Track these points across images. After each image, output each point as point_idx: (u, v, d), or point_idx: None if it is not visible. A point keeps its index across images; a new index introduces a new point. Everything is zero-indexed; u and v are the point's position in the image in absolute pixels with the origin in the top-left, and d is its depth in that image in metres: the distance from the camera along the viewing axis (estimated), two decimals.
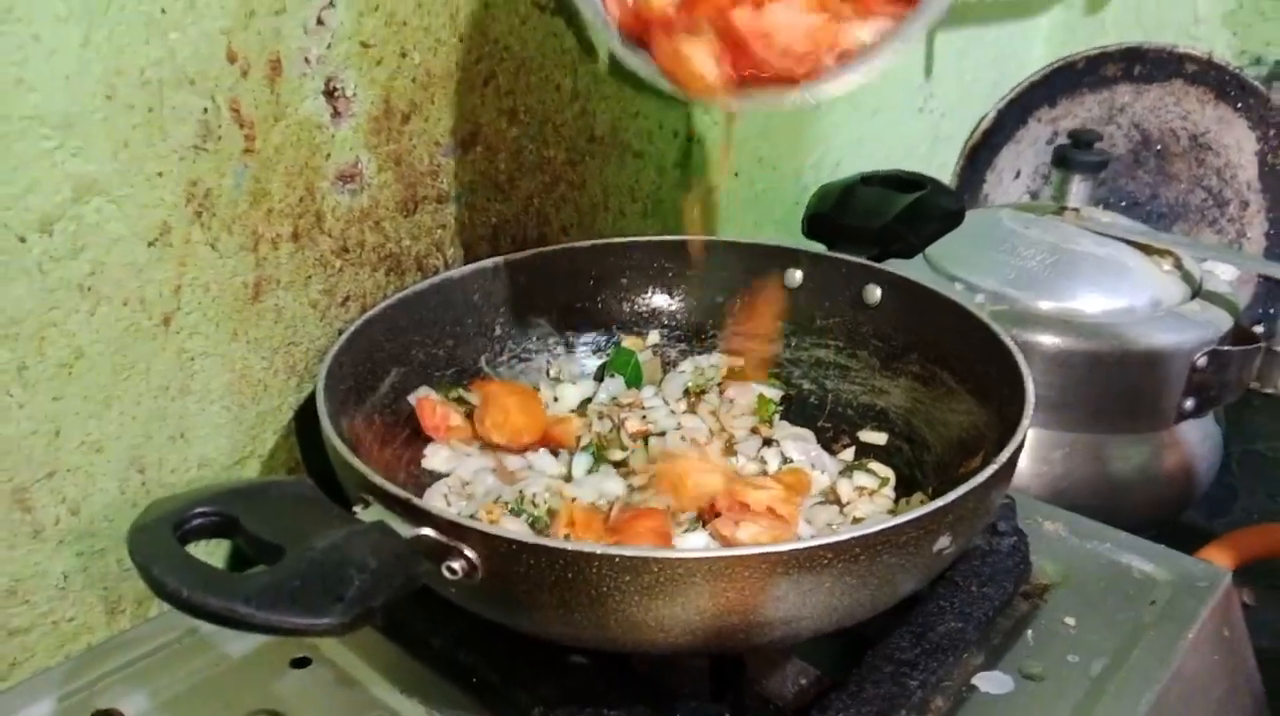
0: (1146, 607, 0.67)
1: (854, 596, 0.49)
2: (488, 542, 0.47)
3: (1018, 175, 1.45)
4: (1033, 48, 1.46)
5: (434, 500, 0.65)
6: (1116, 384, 0.91)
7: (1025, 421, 0.56)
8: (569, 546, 0.46)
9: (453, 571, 0.48)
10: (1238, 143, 1.33)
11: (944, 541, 0.50)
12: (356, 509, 0.51)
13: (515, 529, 0.59)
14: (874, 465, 0.68)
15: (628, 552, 0.45)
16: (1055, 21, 1.47)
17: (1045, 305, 0.92)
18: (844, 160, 1.19)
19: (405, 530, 0.47)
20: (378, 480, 0.50)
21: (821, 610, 0.49)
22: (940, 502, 0.49)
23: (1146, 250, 0.98)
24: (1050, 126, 1.42)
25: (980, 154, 1.43)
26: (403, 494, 0.49)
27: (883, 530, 0.47)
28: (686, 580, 0.46)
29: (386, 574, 0.42)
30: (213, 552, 0.71)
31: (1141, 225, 1.04)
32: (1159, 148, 1.39)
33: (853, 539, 0.46)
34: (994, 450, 0.60)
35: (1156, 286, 0.94)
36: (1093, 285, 0.93)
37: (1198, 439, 0.97)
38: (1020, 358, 0.62)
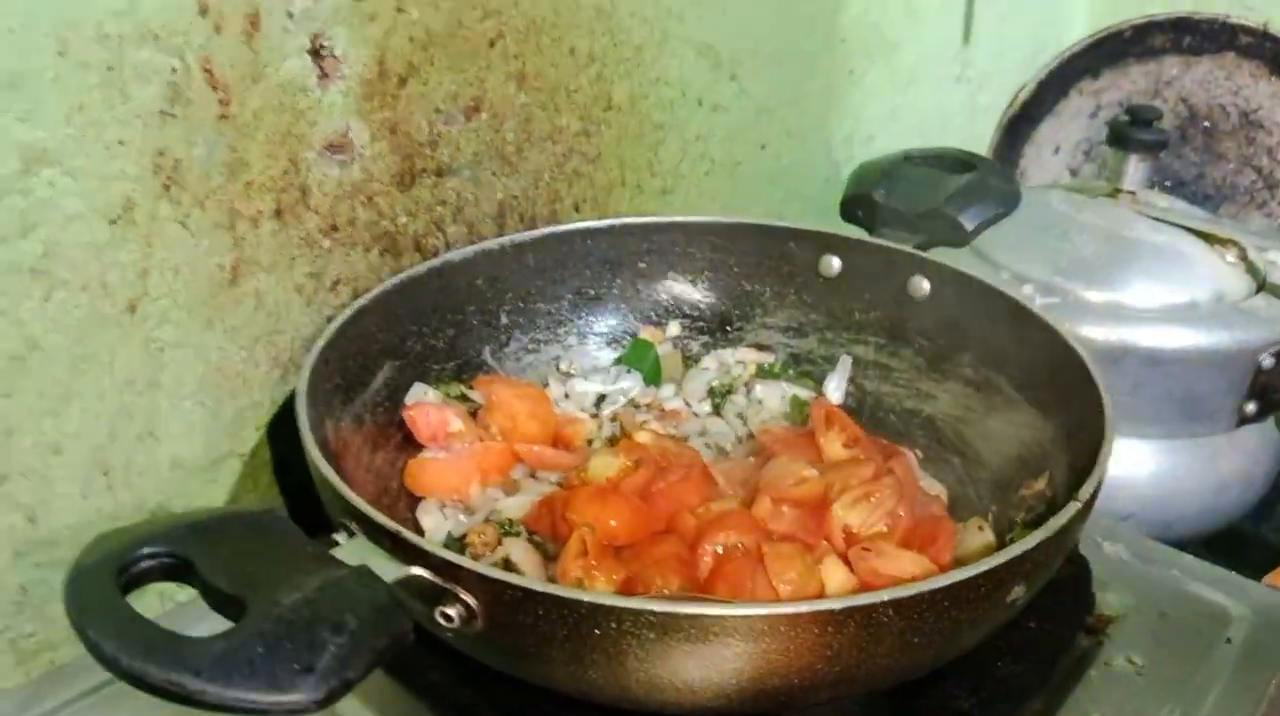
0: (1222, 646, 0.60)
1: (912, 656, 0.42)
2: (488, 587, 0.40)
3: (1057, 150, 1.37)
4: (1075, 14, 1.38)
5: (429, 514, 0.58)
6: (1174, 384, 0.84)
7: (1107, 447, 0.49)
8: (584, 597, 0.39)
9: (447, 618, 0.41)
10: None
11: (1018, 591, 0.43)
12: (338, 537, 0.44)
13: (520, 556, 0.52)
14: (924, 480, 0.61)
15: (654, 607, 0.38)
16: None
17: (1098, 297, 0.84)
18: (877, 134, 1.11)
19: (391, 569, 0.40)
20: (363, 507, 0.43)
21: (876, 670, 0.42)
22: (1018, 550, 0.42)
23: (1208, 239, 0.90)
24: (1093, 99, 1.34)
25: (1019, 127, 1.34)
26: (390, 525, 0.42)
27: (952, 584, 0.40)
28: (723, 640, 0.39)
29: (367, 636, 0.35)
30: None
31: (1202, 212, 0.96)
32: (1206, 124, 1.30)
33: (918, 594, 0.39)
34: (1062, 473, 0.53)
35: (1219, 279, 0.86)
36: (1151, 276, 0.85)
37: (1257, 444, 0.90)
38: (1095, 369, 0.54)
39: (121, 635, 0.33)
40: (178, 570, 0.37)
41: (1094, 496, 0.47)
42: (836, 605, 0.39)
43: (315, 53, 0.62)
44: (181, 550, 0.37)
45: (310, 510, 0.51)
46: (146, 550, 0.37)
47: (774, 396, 0.70)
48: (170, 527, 0.38)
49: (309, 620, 0.34)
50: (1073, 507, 0.45)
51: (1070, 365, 0.57)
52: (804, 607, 0.38)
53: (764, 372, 0.72)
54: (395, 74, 0.66)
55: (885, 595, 0.39)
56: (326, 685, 0.33)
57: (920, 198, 0.71)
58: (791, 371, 0.73)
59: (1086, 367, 0.55)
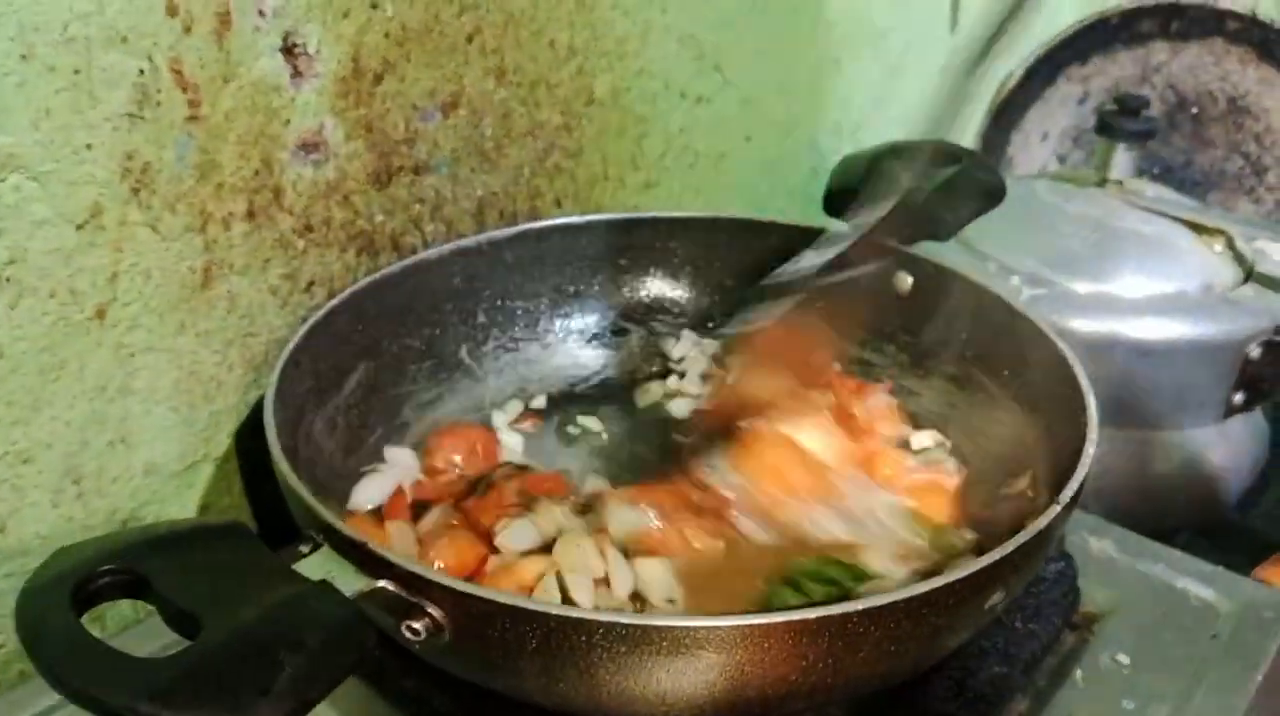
0: (1208, 642, 0.60)
1: (890, 664, 0.41)
2: (455, 600, 0.39)
3: (1045, 137, 1.36)
4: (1063, 0, 1.36)
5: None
6: (1162, 375, 0.84)
7: (1089, 448, 0.48)
8: (553, 611, 0.38)
9: (414, 631, 0.40)
10: None
11: (997, 596, 0.43)
12: (303, 548, 0.43)
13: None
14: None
15: (625, 620, 0.38)
16: None
17: (1086, 288, 0.84)
18: (864, 124, 1.10)
19: (356, 582, 0.40)
20: (327, 517, 0.43)
21: (853, 679, 0.41)
22: (996, 555, 0.41)
23: (1196, 229, 0.89)
24: (1081, 86, 1.33)
25: (1006, 114, 1.34)
26: (355, 536, 0.41)
27: (929, 591, 0.39)
28: (696, 652, 0.38)
29: (328, 655, 0.34)
30: None
31: (1190, 200, 0.96)
32: (1195, 110, 1.30)
33: (894, 603, 0.39)
34: (1044, 472, 0.53)
35: (1207, 269, 0.86)
36: (1139, 267, 0.85)
37: (1245, 435, 0.90)
38: (1080, 368, 0.54)
39: (73, 658, 0.32)
40: (134, 587, 0.36)
41: (1074, 499, 0.46)
42: (811, 615, 0.38)
43: (288, 51, 0.61)
44: (138, 566, 0.36)
45: (284, 518, 0.51)
46: (102, 567, 0.36)
47: None
48: (127, 543, 0.37)
49: (266, 638, 0.33)
50: (1052, 511, 0.44)
51: (1054, 361, 0.56)
52: (777, 618, 0.38)
53: None
54: (370, 71, 0.65)
55: (860, 604, 0.38)
56: (284, 706, 0.32)
57: (904, 192, 0.70)
58: None
59: (1069, 364, 0.54)
